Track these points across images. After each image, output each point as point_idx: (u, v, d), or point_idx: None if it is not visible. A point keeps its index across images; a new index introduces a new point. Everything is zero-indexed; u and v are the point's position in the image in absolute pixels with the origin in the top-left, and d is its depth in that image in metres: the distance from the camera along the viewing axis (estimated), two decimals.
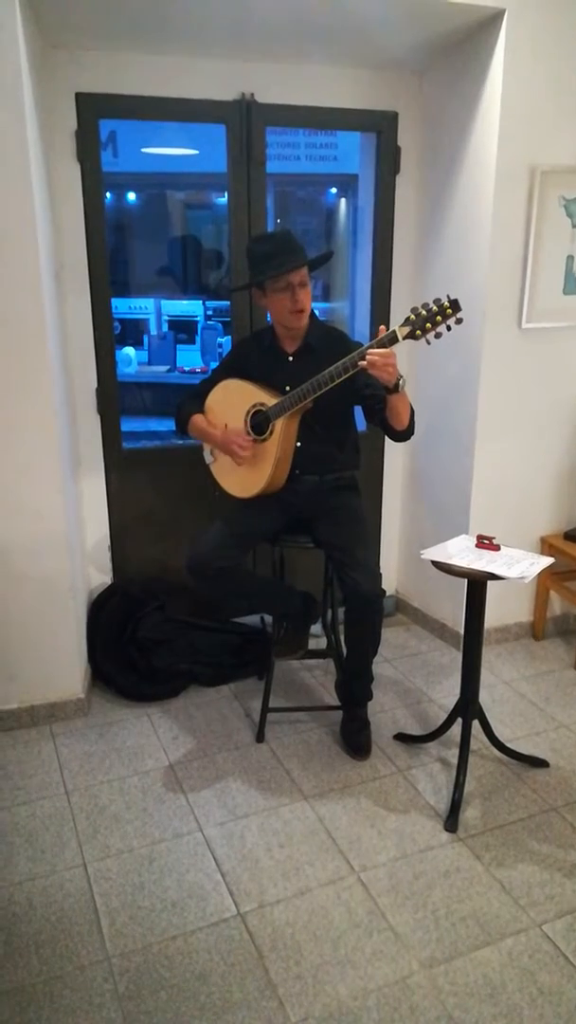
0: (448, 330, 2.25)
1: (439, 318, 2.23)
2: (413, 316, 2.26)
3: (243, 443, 2.60)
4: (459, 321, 2.24)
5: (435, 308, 2.23)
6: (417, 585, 3.74)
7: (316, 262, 2.59)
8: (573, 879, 2.17)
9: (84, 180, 2.94)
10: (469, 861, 2.24)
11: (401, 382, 2.34)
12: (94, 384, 3.15)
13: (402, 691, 3.15)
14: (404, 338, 2.27)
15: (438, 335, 2.26)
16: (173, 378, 5.98)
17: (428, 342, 2.27)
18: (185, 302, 6.44)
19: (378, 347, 2.27)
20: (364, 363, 2.26)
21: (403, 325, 2.27)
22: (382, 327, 2.31)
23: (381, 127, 3.28)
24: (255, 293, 2.64)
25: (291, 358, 2.67)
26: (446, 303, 2.22)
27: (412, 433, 2.56)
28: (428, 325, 2.24)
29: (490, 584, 2.37)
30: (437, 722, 2.76)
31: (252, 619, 3.46)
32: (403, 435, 2.55)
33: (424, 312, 2.24)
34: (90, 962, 1.93)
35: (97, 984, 1.87)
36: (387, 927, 2.02)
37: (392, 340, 2.27)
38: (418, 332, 2.26)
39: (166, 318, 6.41)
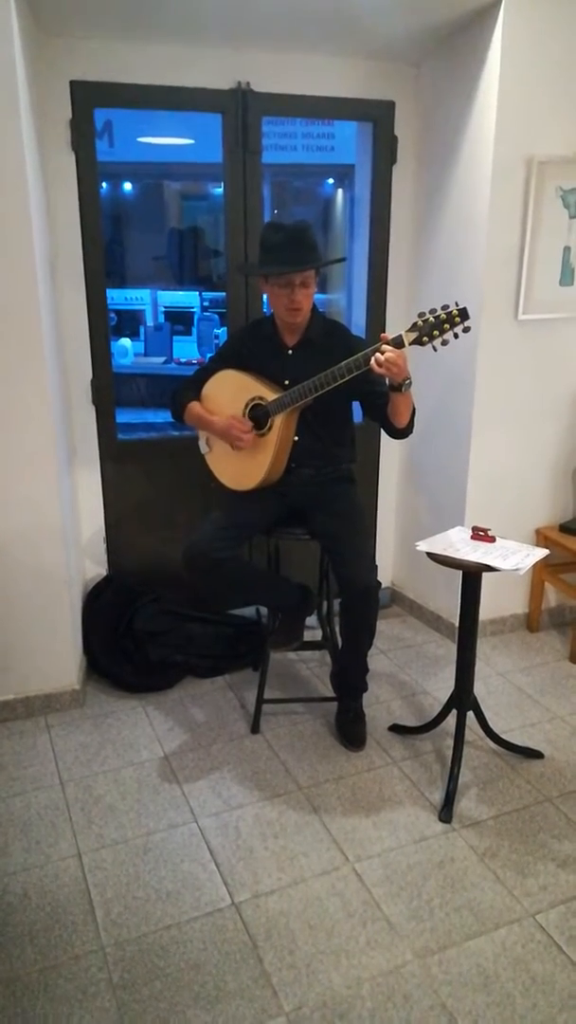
0: (455, 338, 2.24)
1: (447, 326, 2.22)
2: (421, 322, 2.25)
3: (244, 429, 2.59)
4: (467, 329, 2.23)
5: (443, 315, 2.22)
6: (413, 577, 3.74)
7: (320, 266, 2.57)
8: (567, 869, 2.18)
9: (79, 170, 2.93)
10: (463, 851, 2.25)
11: (407, 382, 2.33)
12: (89, 375, 3.14)
13: (397, 683, 3.16)
14: (411, 343, 2.26)
15: (445, 342, 2.25)
16: (169, 369, 5.96)
17: (435, 348, 2.26)
18: (181, 293, 6.42)
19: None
20: (375, 360, 2.25)
21: (410, 331, 2.26)
22: (384, 335, 2.30)
23: (378, 117, 3.26)
24: (259, 278, 2.64)
25: (291, 351, 2.66)
26: (455, 311, 2.21)
27: (411, 432, 2.56)
28: (435, 332, 2.23)
29: (485, 576, 2.38)
30: (432, 713, 2.77)
31: (247, 611, 3.46)
32: (402, 433, 2.55)
33: (432, 319, 2.23)
34: (85, 952, 1.93)
35: (92, 974, 1.87)
36: (381, 917, 2.03)
37: (398, 345, 2.25)
38: (425, 339, 2.25)
39: (162, 309, 6.39)
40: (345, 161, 5.31)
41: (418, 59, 3.21)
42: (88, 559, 3.35)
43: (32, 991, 1.83)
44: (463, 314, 2.21)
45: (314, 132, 5.57)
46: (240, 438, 2.59)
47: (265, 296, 2.69)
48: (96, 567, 3.38)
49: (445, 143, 3.13)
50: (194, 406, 2.74)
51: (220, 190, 3.25)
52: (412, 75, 3.26)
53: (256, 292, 3.21)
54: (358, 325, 3.50)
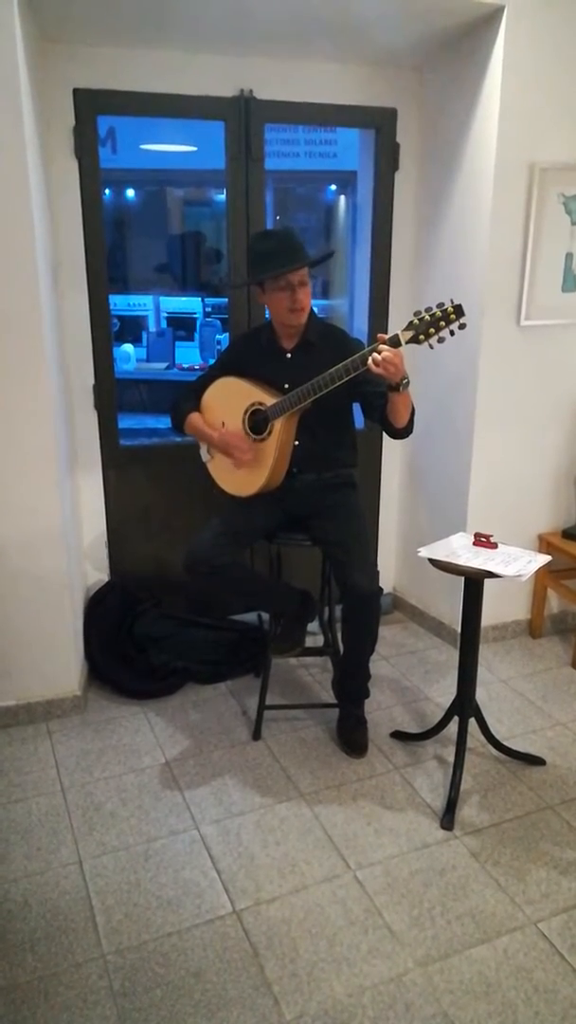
0: (451, 335, 2.24)
1: (442, 323, 2.22)
2: (416, 321, 2.25)
3: (243, 447, 2.60)
4: (462, 326, 2.23)
5: (438, 313, 2.22)
6: (415, 583, 3.74)
7: (316, 262, 2.58)
8: (569, 877, 2.17)
9: (82, 176, 2.94)
10: (465, 859, 2.24)
11: (405, 382, 2.33)
12: (91, 381, 3.15)
13: (399, 689, 3.15)
14: (407, 342, 2.26)
15: (441, 340, 2.25)
16: (172, 375, 5.98)
17: (431, 346, 2.26)
18: (184, 299, 6.43)
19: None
20: (372, 360, 2.25)
21: (406, 329, 2.26)
22: (381, 335, 2.30)
23: (380, 124, 3.27)
24: (254, 290, 2.64)
25: (289, 355, 2.66)
26: (450, 308, 2.21)
27: (411, 431, 2.56)
28: (431, 330, 2.23)
29: (487, 582, 2.37)
30: (434, 720, 2.76)
31: (249, 616, 3.46)
32: (402, 433, 2.55)
33: (427, 317, 2.23)
34: (85, 959, 1.93)
35: (92, 981, 1.87)
36: (383, 925, 2.02)
37: (395, 344, 2.26)
38: (421, 337, 2.24)
39: (165, 315, 6.41)
40: (347, 167, 5.33)
41: (420, 66, 3.22)
42: (90, 564, 3.35)
43: (32, 999, 1.82)
44: (458, 311, 2.21)
45: (316, 139, 5.59)
46: (239, 457, 2.60)
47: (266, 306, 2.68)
48: (98, 572, 3.38)
49: (447, 150, 3.13)
50: (194, 418, 2.74)
51: (223, 196, 3.26)
52: (414, 82, 3.27)
53: (258, 297, 3.22)
54: (360, 331, 3.50)
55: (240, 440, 2.61)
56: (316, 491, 2.72)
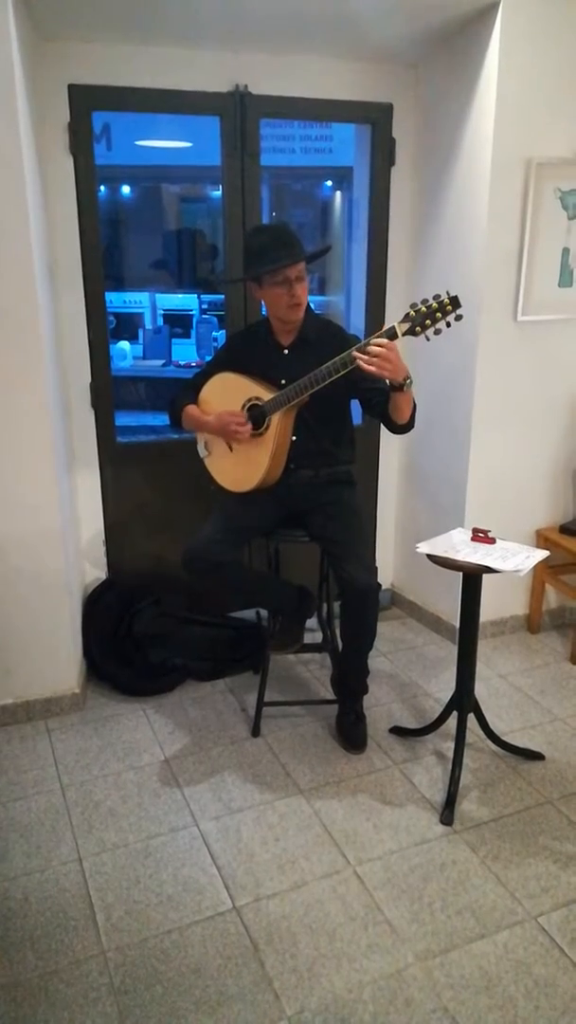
0: (448, 327, 2.24)
1: (439, 315, 2.21)
2: (413, 312, 2.24)
3: (240, 421, 2.59)
4: (459, 318, 2.22)
5: (435, 304, 2.22)
6: (413, 579, 3.74)
7: (313, 257, 2.58)
8: (568, 871, 2.18)
9: (77, 173, 2.93)
10: (465, 854, 2.25)
11: (408, 381, 2.33)
12: (88, 378, 3.14)
13: (398, 685, 3.16)
14: (404, 334, 2.25)
15: (438, 331, 2.24)
16: (168, 372, 5.97)
17: (428, 339, 2.26)
18: (180, 296, 6.42)
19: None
20: (363, 359, 2.24)
21: (402, 321, 2.25)
22: (377, 334, 2.29)
23: (376, 119, 3.26)
24: (250, 286, 2.63)
25: (286, 351, 2.66)
26: (446, 299, 2.21)
27: (412, 427, 2.56)
28: (428, 322, 2.22)
29: (486, 577, 2.37)
30: (433, 715, 2.76)
31: (248, 613, 3.46)
32: (403, 429, 2.54)
33: (424, 308, 2.23)
34: (86, 956, 1.93)
35: (93, 978, 1.87)
36: (383, 920, 2.02)
37: (391, 336, 2.25)
38: (418, 329, 2.24)
39: (161, 312, 6.40)
40: (343, 163, 5.32)
41: (416, 61, 3.22)
42: (88, 562, 3.35)
43: (33, 996, 1.83)
44: (455, 302, 2.21)
45: (312, 134, 5.58)
46: (237, 430, 2.58)
47: (263, 303, 2.67)
48: (96, 570, 3.37)
49: (443, 145, 3.13)
50: (190, 409, 2.74)
51: (218, 193, 3.25)
52: (410, 77, 3.26)
53: (254, 292, 3.21)
54: (357, 327, 3.50)
55: (236, 416, 2.60)
56: (314, 487, 2.72)
